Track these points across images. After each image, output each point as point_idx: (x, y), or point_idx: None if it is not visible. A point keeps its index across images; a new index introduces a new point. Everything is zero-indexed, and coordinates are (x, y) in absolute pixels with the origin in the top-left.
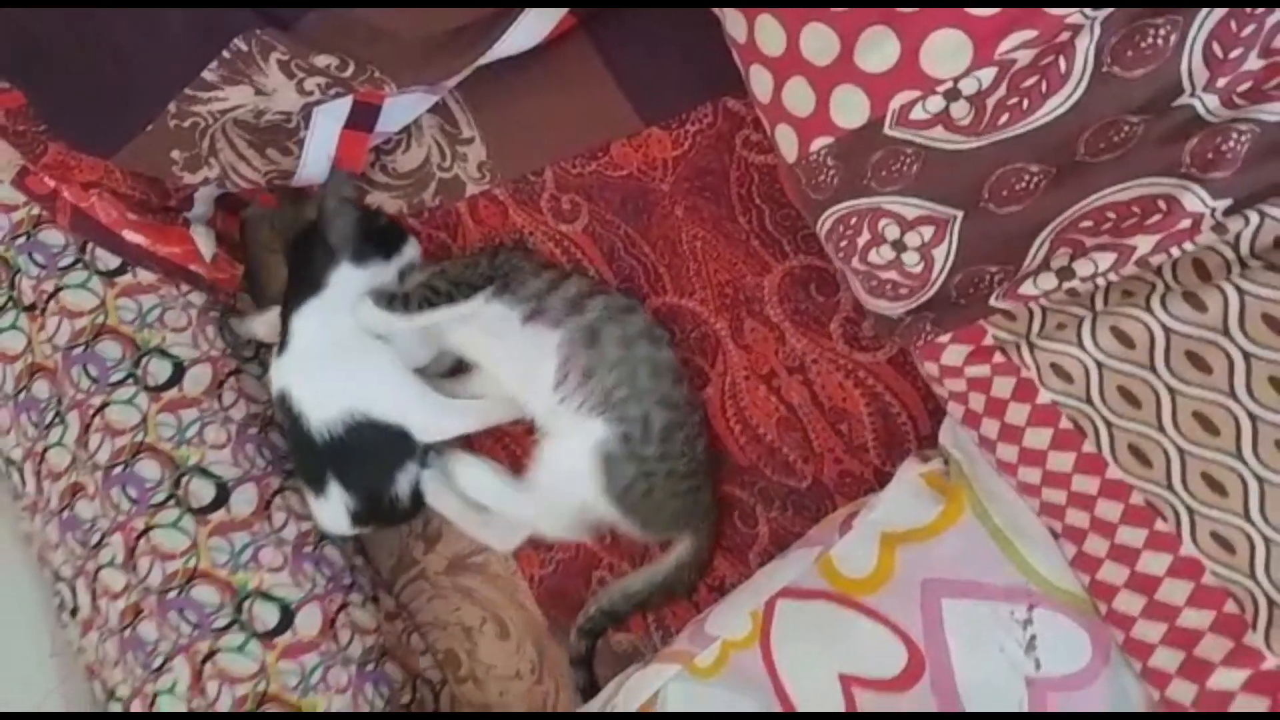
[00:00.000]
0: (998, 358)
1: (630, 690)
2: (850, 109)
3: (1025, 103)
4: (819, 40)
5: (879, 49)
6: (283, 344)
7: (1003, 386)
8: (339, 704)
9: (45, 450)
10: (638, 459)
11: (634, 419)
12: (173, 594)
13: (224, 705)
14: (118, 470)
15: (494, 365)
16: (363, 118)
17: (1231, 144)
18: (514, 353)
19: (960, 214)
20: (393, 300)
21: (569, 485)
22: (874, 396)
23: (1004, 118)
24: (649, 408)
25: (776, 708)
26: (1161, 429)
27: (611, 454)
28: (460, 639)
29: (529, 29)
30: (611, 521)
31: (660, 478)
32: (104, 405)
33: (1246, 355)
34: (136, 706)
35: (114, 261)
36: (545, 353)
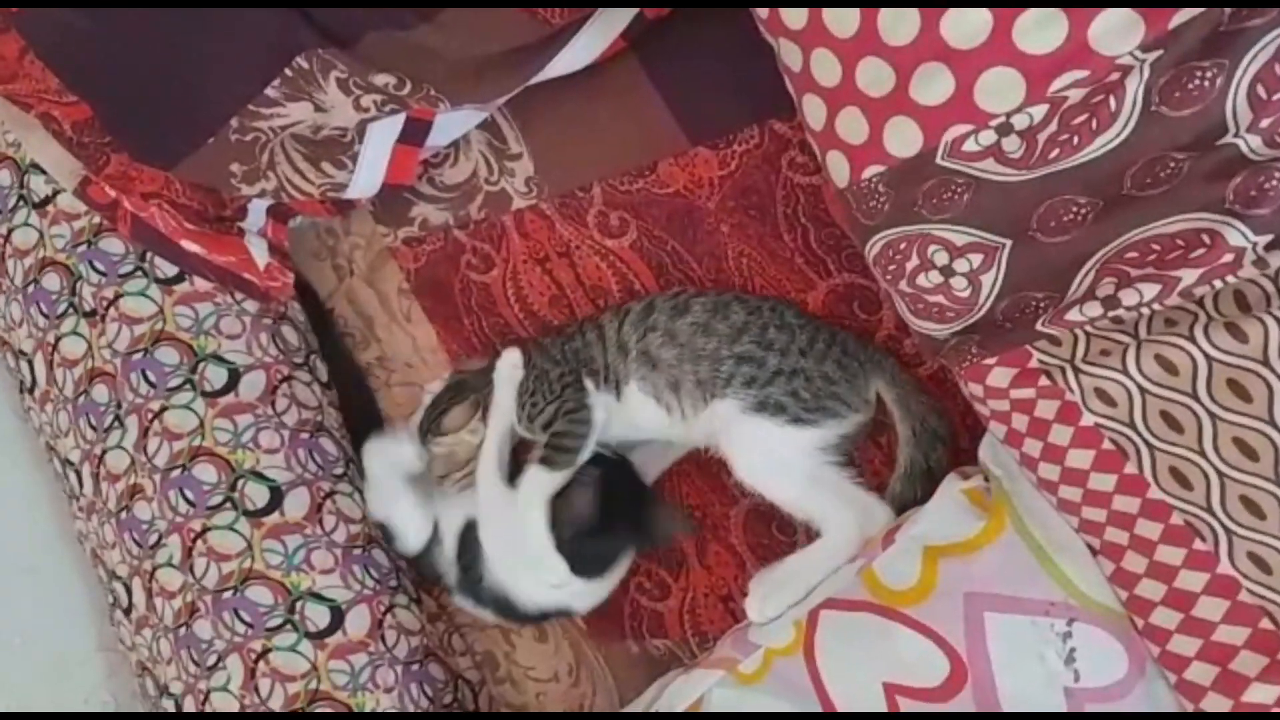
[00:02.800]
0: (1043, 381)
1: (674, 694)
2: (903, 139)
3: (1075, 139)
4: (874, 73)
5: (934, 83)
6: None
7: (1046, 409)
8: (386, 703)
9: (104, 453)
10: (775, 377)
11: (733, 369)
12: (228, 594)
13: (276, 703)
14: (176, 473)
15: (643, 437)
16: (415, 133)
17: (1274, 182)
18: (633, 422)
19: (1009, 242)
20: (552, 458)
21: (779, 460)
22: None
23: (1054, 152)
24: (730, 350)
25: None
26: (1202, 453)
27: (756, 401)
28: (499, 641)
29: (581, 49)
30: (839, 442)
31: (804, 361)
32: (162, 410)
33: None
34: (189, 703)
35: (172, 270)
36: (643, 403)
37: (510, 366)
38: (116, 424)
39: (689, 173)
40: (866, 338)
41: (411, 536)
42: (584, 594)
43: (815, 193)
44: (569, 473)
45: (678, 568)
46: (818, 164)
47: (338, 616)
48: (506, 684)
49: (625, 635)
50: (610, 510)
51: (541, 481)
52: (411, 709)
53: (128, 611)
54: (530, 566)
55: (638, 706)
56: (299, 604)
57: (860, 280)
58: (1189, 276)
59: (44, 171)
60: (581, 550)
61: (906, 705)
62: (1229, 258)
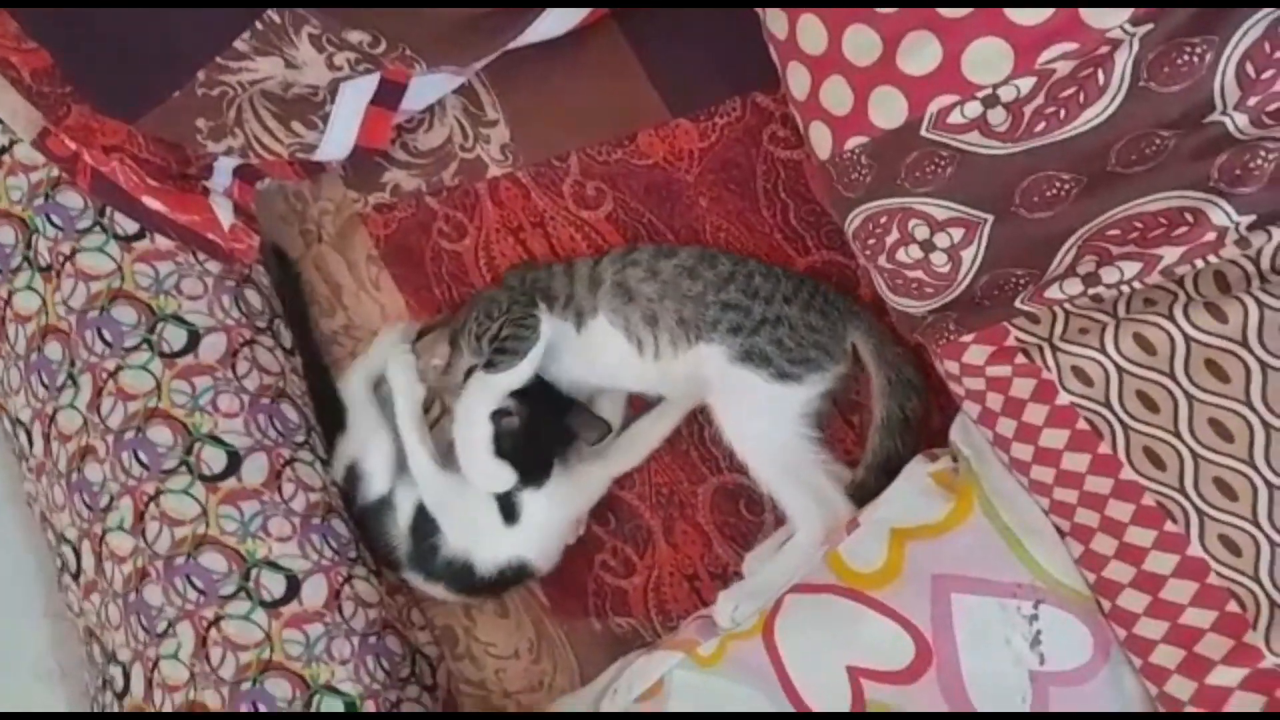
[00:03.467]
0: (1020, 359)
1: (635, 674)
2: (888, 110)
3: (1062, 112)
4: (861, 41)
5: (921, 52)
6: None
7: (1022, 387)
8: (341, 675)
9: (55, 412)
10: (760, 326)
11: (719, 314)
12: (180, 560)
13: (227, 671)
14: (130, 435)
15: (602, 381)
16: (388, 95)
17: (1259, 161)
18: (594, 360)
19: (991, 218)
20: (495, 361)
21: (765, 418)
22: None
23: (1040, 125)
24: (716, 296)
25: (782, 698)
26: (1178, 434)
27: (742, 350)
28: (459, 616)
29: (562, 15)
30: (816, 399)
31: (788, 309)
32: (118, 369)
33: (1264, 366)
34: (137, 670)
35: (132, 227)
36: (609, 337)
37: (392, 344)
38: (69, 383)
39: (669, 144)
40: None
41: (380, 477)
42: (538, 540)
43: (796, 168)
44: (511, 378)
45: (644, 545)
46: (799, 139)
47: (294, 585)
48: (465, 660)
49: (588, 612)
50: (537, 425)
51: (485, 384)
52: (367, 681)
53: (76, 576)
54: (477, 478)
55: (598, 685)
56: (254, 572)
57: (838, 258)
58: (1170, 255)
59: (0, 121)
60: (520, 462)
61: (871, 688)
62: (1211, 236)
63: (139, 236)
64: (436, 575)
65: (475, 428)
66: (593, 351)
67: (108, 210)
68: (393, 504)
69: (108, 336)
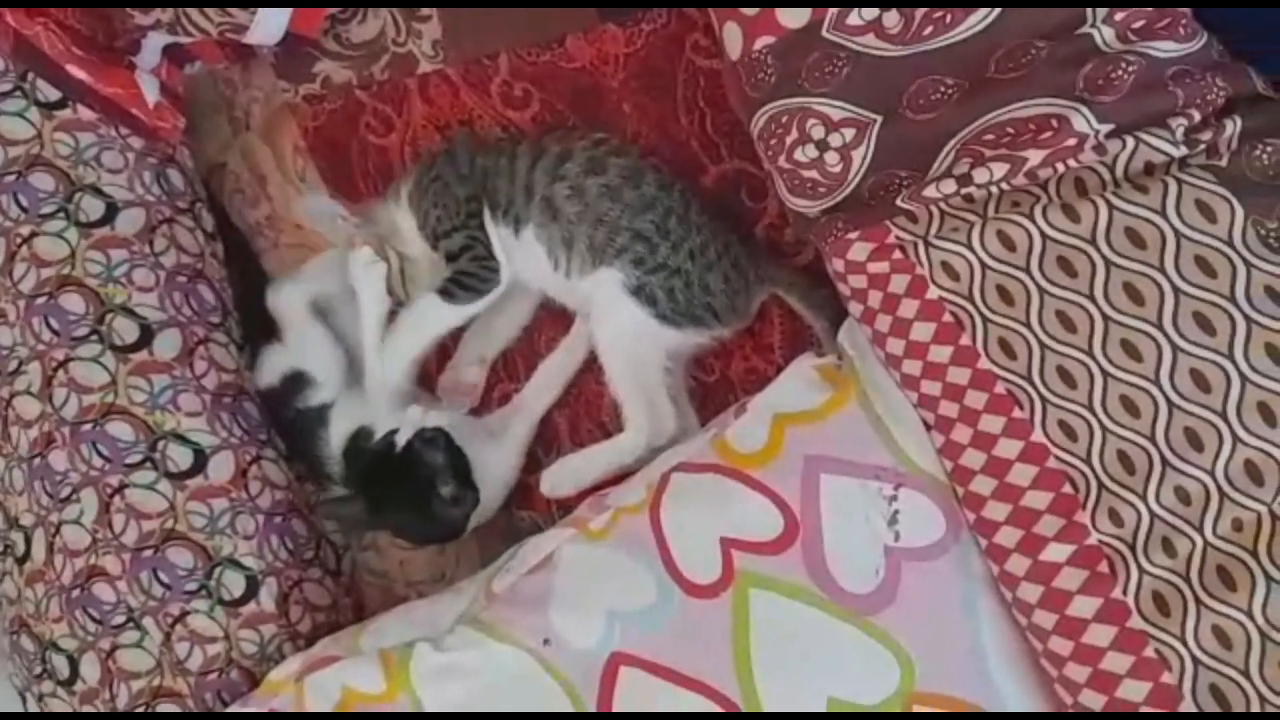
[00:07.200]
0: (896, 255)
1: (527, 550)
2: (794, 11)
3: (949, 17)
4: None
5: None
6: None
7: (898, 283)
8: (244, 549)
9: None
10: (658, 269)
11: (627, 242)
12: (87, 427)
13: (130, 539)
14: (41, 300)
15: (531, 283)
16: None
17: (1120, 73)
18: (524, 264)
19: (880, 119)
20: (453, 292)
21: (634, 343)
22: (783, 299)
23: (929, 29)
24: (630, 223)
25: (660, 566)
26: (1029, 325)
27: (636, 283)
28: None
29: None
30: (690, 348)
31: (690, 265)
32: (32, 235)
33: (1108, 263)
34: (39, 536)
35: (54, 94)
36: (534, 250)
37: (364, 265)
38: None
39: (596, 48)
40: (759, 243)
41: (329, 386)
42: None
43: (715, 77)
44: (461, 313)
45: (550, 443)
46: (719, 49)
47: (200, 460)
48: (371, 550)
49: None
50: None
51: (435, 308)
52: (270, 559)
53: None
54: (377, 389)
55: (493, 568)
56: (161, 443)
57: (750, 168)
58: (1035, 157)
59: None
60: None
61: (740, 557)
62: (1072, 141)
63: (60, 105)
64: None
65: (402, 348)
66: (525, 257)
67: (30, 76)
68: (327, 419)
69: (24, 202)
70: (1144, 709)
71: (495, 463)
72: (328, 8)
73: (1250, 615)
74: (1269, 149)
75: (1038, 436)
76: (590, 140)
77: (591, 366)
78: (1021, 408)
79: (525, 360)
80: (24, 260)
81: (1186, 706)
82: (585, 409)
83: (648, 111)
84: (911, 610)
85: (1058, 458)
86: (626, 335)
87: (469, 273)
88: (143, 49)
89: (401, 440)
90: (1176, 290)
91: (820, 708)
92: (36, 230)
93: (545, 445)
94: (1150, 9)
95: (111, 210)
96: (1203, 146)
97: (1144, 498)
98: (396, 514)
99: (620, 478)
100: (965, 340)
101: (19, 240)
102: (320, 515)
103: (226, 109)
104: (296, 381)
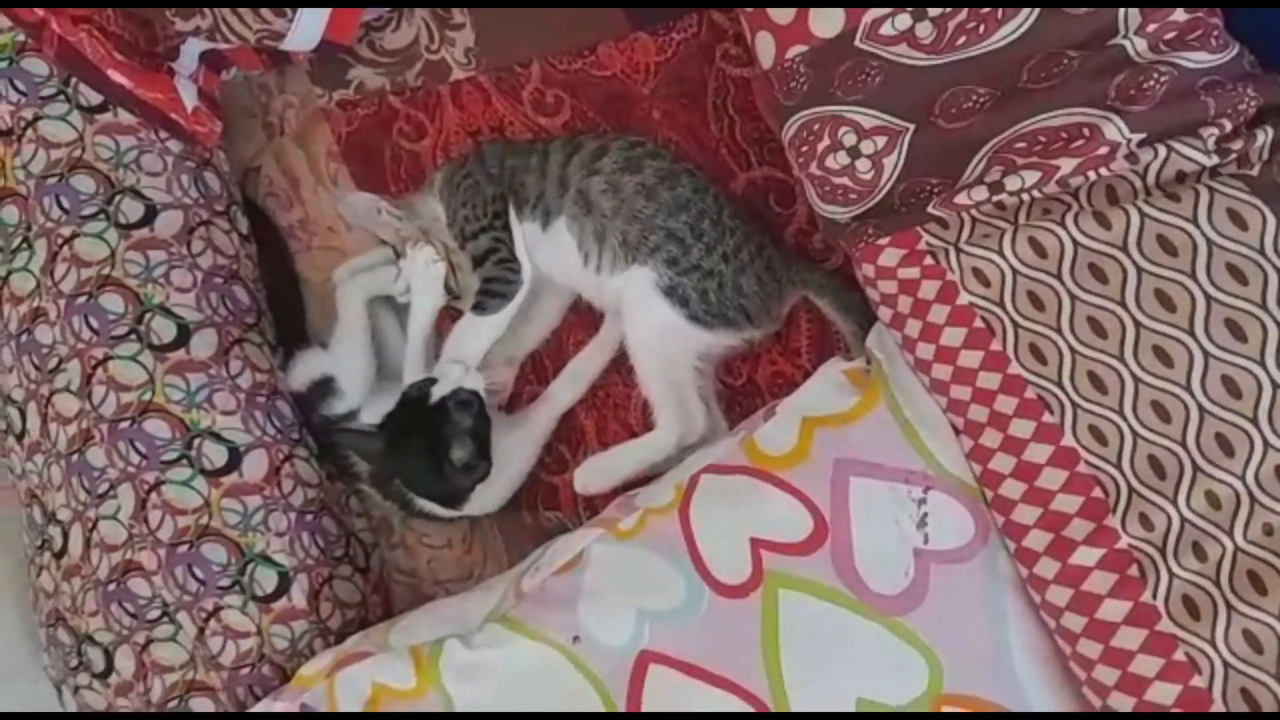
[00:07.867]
0: (927, 261)
1: (556, 550)
2: (827, 20)
3: (982, 27)
4: None
5: None
6: None
7: (929, 289)
8: (276, 545)
9: (9, 275)
10: (692, 270)
11: (661, 241)
12: (125, 424)
13: (165, 534)
14: (81, 300)
15: (560, 279)
16: None
17: (1152, 83)
18: (553, 258)
19: (912, 127)
20: (485, 305)
21: (665, 342)
22: (813, 304)
23: (961, 40)
24: (664, 222)
25: (689, 566)
26: (1059, 330)
27: (669, 283)
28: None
29: None
30: (721, 349)
31: (724, 267)
32: (73, 236)
33: (1140, 270)
34: (76, 530)
35: (96, 99)
36: (565, 243)
37: (425, 264)
38: (25, 246)
39: (627, 57)
40: (787, 248)
41: (358, 391)
42: (495, 488)
43: (745, 85)
44: (499, 323)
45: (576, 444)
46: (749, 57)
47: (235, 457)
48: (400, 549)
49: (520, 506)
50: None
51: (474, 326)
52: (301, 555)
53: (20, 437)
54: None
55: (523, 565)
56: (197, 441)
57: (779, 174)
58: (1067, 165)
59: None
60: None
61: (769, 558)
62: (1104, 150)
63: (102, 109)
64: (392, 499)
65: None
66: (553, 250)
67: (72, 80)
68: (359, 423)
69: (65, 204)
70: (1174, 711)
71: (512, 450)
72: (364, 7)
73: None
74: None
75: (1068, 441)
76: (626, 141)
77: (619, 369)
78: (1052, 412)
79: (554, 362)
80: (65, 260)
81: (1217, 709)
82: (613, 411)
83: (678, 119)
84: (940, 612)
85: (1088, 462)
86: (657, 334)
87: (495, 278)
88: (182, 55)
89: (437, 394)
90: (1208, 297)
91: (849, 708)
92: (78, 231)
93: (572, 447)
94: (1183, 20)
95: (150, 212)
96: (1234, 156)
97: (1174, 502)
98: (409, 460)
99: (648, 478)
100: (995, 345)
101: (60, 241)
102: (340, 441)
103: (261, 114)
104: (324, 388)
